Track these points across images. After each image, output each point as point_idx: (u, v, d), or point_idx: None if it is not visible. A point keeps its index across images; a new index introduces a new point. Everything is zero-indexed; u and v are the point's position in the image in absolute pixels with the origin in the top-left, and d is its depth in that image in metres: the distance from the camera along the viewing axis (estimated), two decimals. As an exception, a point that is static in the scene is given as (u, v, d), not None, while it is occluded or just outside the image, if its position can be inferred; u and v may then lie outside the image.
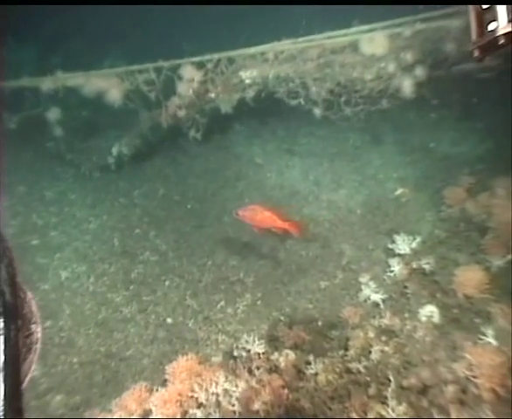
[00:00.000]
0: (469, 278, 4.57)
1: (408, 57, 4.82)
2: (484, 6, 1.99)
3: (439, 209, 5.38)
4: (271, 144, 6.88)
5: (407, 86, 4.89)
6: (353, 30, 5.00)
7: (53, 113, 6.09)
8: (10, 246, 1.17)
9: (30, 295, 1.29)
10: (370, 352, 4.13)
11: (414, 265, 4.86)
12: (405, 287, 4.72)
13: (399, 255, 4.96)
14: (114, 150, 6.40)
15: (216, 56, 5.22)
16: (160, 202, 6.44)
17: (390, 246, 5.01)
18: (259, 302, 5.02)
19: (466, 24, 5.34)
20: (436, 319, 4.46)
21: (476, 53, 2.12)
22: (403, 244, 4.96)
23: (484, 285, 4.57)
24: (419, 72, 4.86)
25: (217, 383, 3.95)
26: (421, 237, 5.06)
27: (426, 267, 4.81)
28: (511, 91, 4.80)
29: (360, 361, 4.07)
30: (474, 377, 3.73)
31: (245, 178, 6.42)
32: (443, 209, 5.35)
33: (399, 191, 5.65)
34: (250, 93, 5.33)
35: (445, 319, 4.48)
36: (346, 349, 4.24)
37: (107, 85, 5.28)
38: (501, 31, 1.90)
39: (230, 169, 6.57)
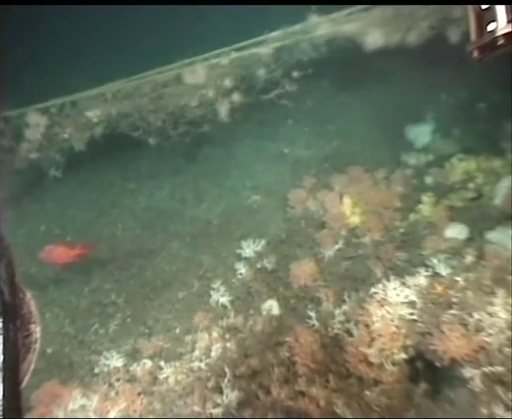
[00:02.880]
0: (302, 270, 5.27)
1: (226, 83, 5.45)
2: (483, 6, 2.03)
3: (284, 210, 6.05)
4: (120, 177, 7.35)
5: (223, 111, 5.53)
6: (177, 63, 5.58)
7: None
8: (9, 246, 1.17)
9: (29, 295, 1.30)
10: (210, 350, 4.73)
11: (258, 266, 5.51)
12: (250, 287, 5.35)
13: (246, 258, 5.58)
14: (-13, 195, 6.67)
15: (58, 101, 5.65)
16: (41, 238, 6.78)
17: (238, 251, 5.62)
18: (128, 320, 5.52)
19: (274, 50, 6.00)
20: (275, 311, 5.13)
21: (476, 54, 2.14)
22: (248, 248, 5.59)
23: (316, 274, 5.29)
24: (235, 97, 5.51)
25: (74, 401, 4.43)
26: (266, 239, 5.71)
27: (268, 266, 5.47)
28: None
29: (202, 360, 4.67)
30: (293, 356, 4.42)
31: (119, 205, 6.87)
32: (288, 211, 6.03)
33: (252, 199, 6.29)
34: (98, 131, 5.82)
35: (284, 309, 5.14)
36: (193, 351, 4.83)
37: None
38: (500, 32, 1.95)
39: (105, 198, 7.00)
